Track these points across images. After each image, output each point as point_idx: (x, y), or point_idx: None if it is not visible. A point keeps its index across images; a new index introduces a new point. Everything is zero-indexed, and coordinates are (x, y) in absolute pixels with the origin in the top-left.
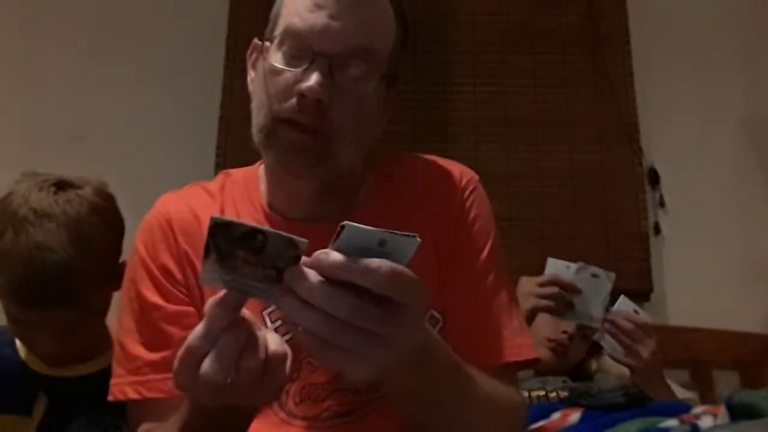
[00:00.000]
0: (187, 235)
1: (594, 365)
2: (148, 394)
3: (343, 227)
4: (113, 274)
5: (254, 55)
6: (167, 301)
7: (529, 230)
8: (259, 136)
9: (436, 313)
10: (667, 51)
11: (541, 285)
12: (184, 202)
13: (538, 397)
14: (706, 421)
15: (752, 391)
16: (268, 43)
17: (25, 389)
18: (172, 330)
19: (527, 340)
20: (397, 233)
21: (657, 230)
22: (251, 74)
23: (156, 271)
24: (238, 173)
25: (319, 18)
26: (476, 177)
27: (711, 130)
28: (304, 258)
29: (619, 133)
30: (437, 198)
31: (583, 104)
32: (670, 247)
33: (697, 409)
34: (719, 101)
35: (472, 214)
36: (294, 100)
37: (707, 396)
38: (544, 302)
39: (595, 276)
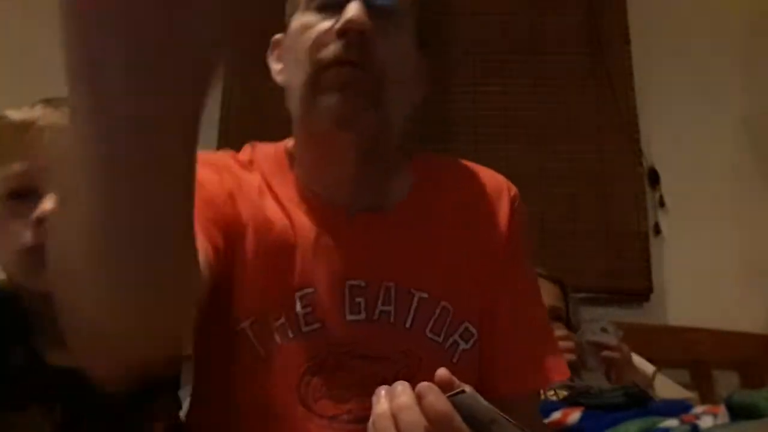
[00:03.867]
0: (235, 178)
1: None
2: None
3: (463, 391)
4: None
5: (276, 50)
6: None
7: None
8: (302, 93)
9: (471, 327)
10: (667, 51)
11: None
12: (219, 164)
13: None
14: (706, 421)
15: (752, 391)
16: (291, 20)
17: (36, 379)
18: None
19: (562, 359)
20: (510, 420)
21: (657, 230)
22: (276, 67)
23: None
24: (267, 148)
25: None
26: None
27: (711, 130)
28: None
29: (619, 133)
30: (483, 207)
31: (583, 104)
32: (670, 247)
33: (697, 409)
34: (719, 101)
35: (518, 228)
36: (337, 42)
37: (707, 396)
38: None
39: (604, 330)
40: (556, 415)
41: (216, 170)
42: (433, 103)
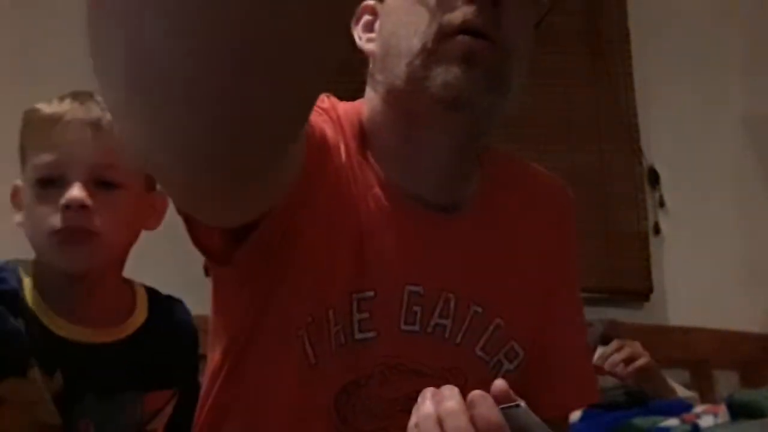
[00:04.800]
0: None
1: None
2: None
3: (518, 405)
4: None
5: (366, 16)
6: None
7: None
8: (412, 61)
9: (517, 347)
10: (667, 51)
11: None
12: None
13: None
14: (706, 421)
15: (753, 390)
16: None
17: (41, 349)
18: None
19: (595, 382)
20: None
21: (657, 230)
22: (365, 35)
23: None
24: (347, 109)
25: None
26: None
27: (711, 130)
28: None
29: (619, 133)
30: (545, 216)
31: (583, 104)
32: (670, 247)
33: (698, 409)
34: (719, 101)
35: (574, 240)
36: (466, 7)
37: (707, 396)
38: None
39: (589, 325)
40: None
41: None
42: None
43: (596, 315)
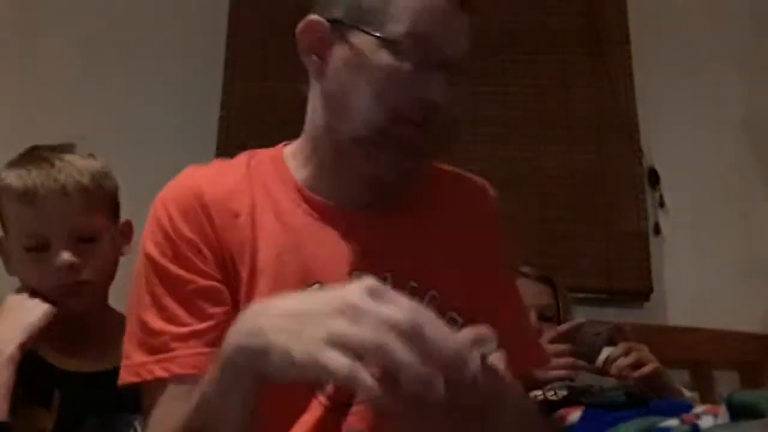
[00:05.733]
0: (220, 212)
1: None
2: (179, 371)
3: None
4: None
5: (323, 37)
6: (197, 275)
7: (529, 230)
8: (367, 133)
9: (456, 316)
10: (667, 51)
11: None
12: (215, 178)
13: (536, 395)
14: (706, 421)
15: (752, 391)
16: (367, 36)
17: (42, 382)
18: (204, 304)
19: (540, 344)
20: None
21: (657, 230)
22: (317, 60)
23: (183, 246)
24: (262, 154)
25: (447, 23)
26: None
27: (711, 130)
28: None
29: (619, 133)
30: (468, 208)
31: (583, 104)
32: (670, 247)
33: (698, 409)
34: (719, 101)
35: (497, 228)
36: (415, 101)
37: (707, 396)
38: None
39: (597, 334)
40: (556, 415)
41: (199, 221)
42: None
43: (596, 315)
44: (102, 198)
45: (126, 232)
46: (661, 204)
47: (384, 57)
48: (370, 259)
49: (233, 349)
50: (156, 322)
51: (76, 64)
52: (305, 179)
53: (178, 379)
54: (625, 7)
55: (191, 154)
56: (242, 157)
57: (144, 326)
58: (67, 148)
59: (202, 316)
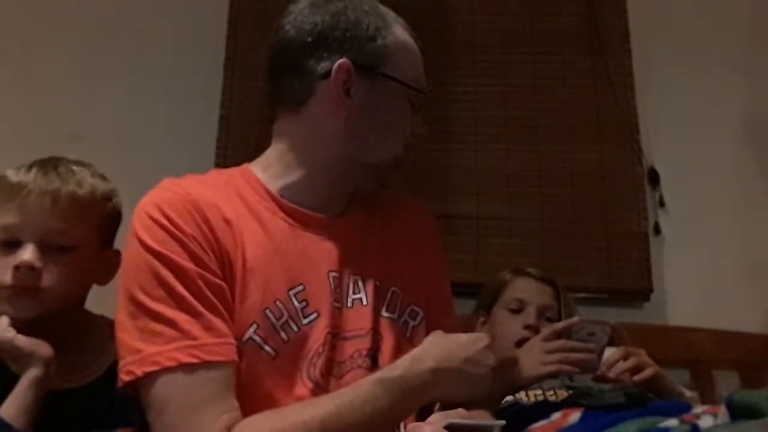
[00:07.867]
0: (214, 215)
1: None
2: (209, 357)
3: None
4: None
5: (352, 78)
6: (205, 270)
7: (529, 230)
8: (391, 162)
9: (416, 308)
10: (667, 51)
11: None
12: (199, 187)
13: (536, 395)
14: (706, 421)
15: (752, 391)
16: (388, 79)
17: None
18: (213, 299)
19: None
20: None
21: (657, 230)
22: (346, 98)
23: (189, 243)
24: (231, 170)
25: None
26: None
27: (711, 130)
28: None
29: (619, 133)
30: (408, 221)
31: (583, 104)
32: (670, 247)
33: (698, 409)
34: (719, 101)
35: (434, 238)
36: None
37: (707, 396)
38: (568, 365)
39: (591, 334)
40: (556, 416)
41: (196, 222)
42: (433, 103)
43: (596, 315)
44: (92, 214)
45: (111, 261)
46: (661, 204)
47: (394, 97)
48: (343, 261)
49: (427, 370)
50: (171, 312)
51: (76, 64)
52: (279, 189)
53: (207, 365)
54: (625, 7)
55: (191, 154)
56: (213, 173)
57: (158, 317)
58: (86, 165)
59: (214, 310)
